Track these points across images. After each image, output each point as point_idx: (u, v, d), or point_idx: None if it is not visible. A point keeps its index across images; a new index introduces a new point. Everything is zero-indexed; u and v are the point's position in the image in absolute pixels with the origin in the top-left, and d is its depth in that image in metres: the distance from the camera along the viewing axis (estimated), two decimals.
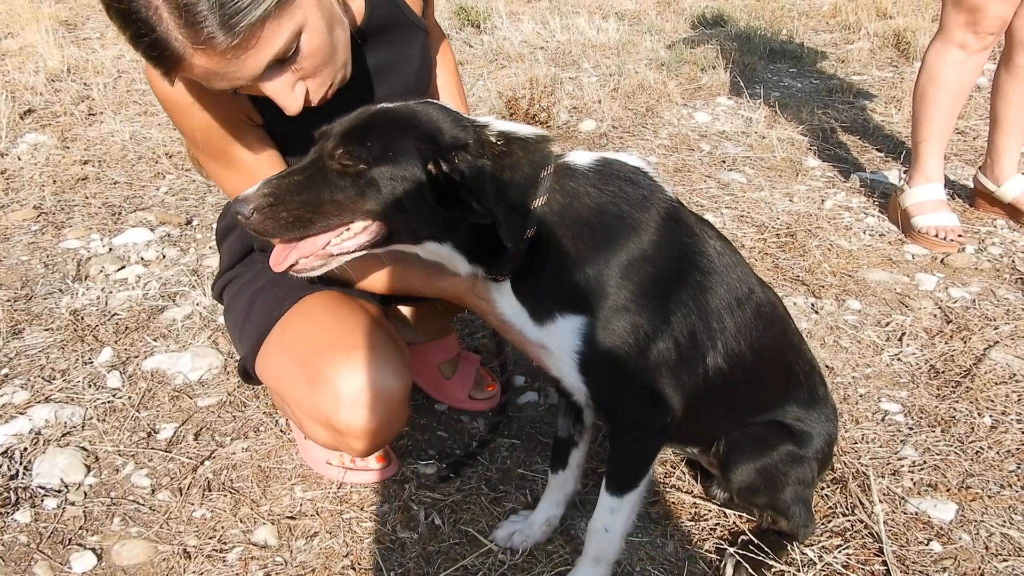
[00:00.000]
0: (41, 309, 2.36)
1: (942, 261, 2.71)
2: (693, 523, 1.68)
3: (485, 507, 1.69)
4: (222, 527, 1.62)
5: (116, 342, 2.21)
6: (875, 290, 2.54)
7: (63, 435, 1.87)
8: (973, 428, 1.93)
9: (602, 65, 4.80)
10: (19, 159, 3.40)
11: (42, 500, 1.68)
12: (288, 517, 1.65)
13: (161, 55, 1.10)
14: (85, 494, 1.71)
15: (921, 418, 1.97)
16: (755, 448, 1.49)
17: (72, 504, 1.67)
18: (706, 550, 1.61)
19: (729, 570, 1.52)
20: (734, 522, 1.68)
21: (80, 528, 1.62)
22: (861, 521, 1.64)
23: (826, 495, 1.72)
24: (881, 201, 3.11)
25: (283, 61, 1.20)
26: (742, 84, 4.34)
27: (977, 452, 1.84)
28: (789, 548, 1.56)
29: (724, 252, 1.38)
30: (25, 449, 1.81)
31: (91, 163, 3.41)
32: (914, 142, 2.90)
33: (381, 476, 1.75)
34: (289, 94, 1.23)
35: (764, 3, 6.47)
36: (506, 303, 1.32)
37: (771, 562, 1.52)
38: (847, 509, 1.68)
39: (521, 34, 5.42)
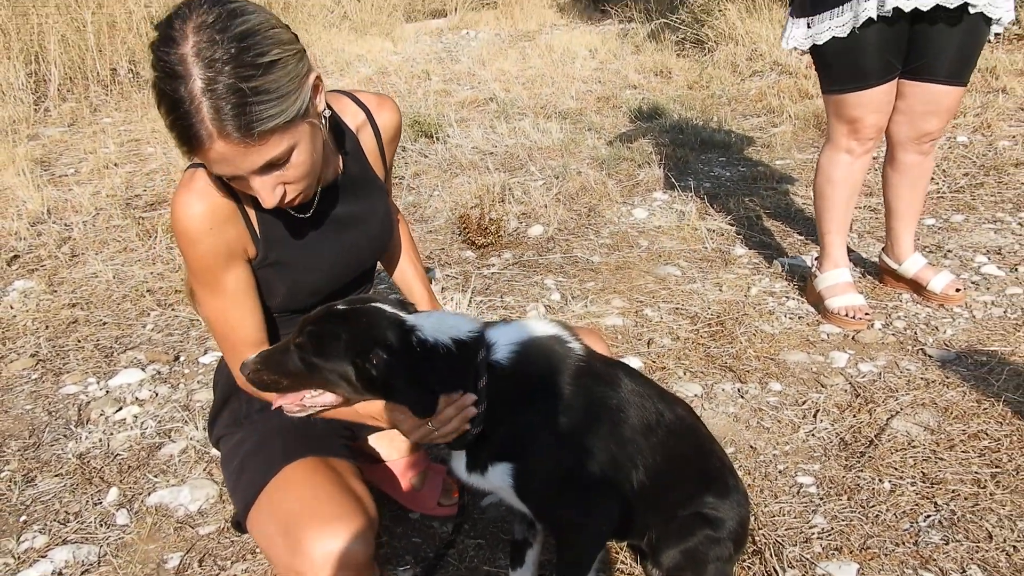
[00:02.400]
0: (50, 456, 2.61)
1: (853, 338, 3.07)
2: None
3: None
4: None
5: (121, 481, 2.47)
6: (794, 371, 2.88)
7: (83, 573, 2.11)
8: (875, 493, 2.24)
9: (547, 167, 5.22)
10: (11, 307, 3.68)
11: None
12: None
13: (191, 137, 1.44)
14: None
15: (831, 488, 2.28)
16: (679, 535, 1.78)
17: None
18: None
19: None
20: None
21: None
22: None
23: (747, 565, 2.01)
24: (800, 284, 3.48)
25: (274, 166, 1.53)
26: (673, 179, 4.76)
27: (877, 515, 2.15)
28: None
29: (635, 387, 1.71)
30: None
31: (79, 306, 3.69)
32: (819, 234, 3.28)
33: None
34: (270, 192, 1.57)
35: (696, 91, 7.01)
36: (455, 458, 1.67)
37: None
38: None
39: (471, 140, 5.85)
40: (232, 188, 1.66)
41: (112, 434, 2.70)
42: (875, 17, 2.67)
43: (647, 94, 7.00)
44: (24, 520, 2.32)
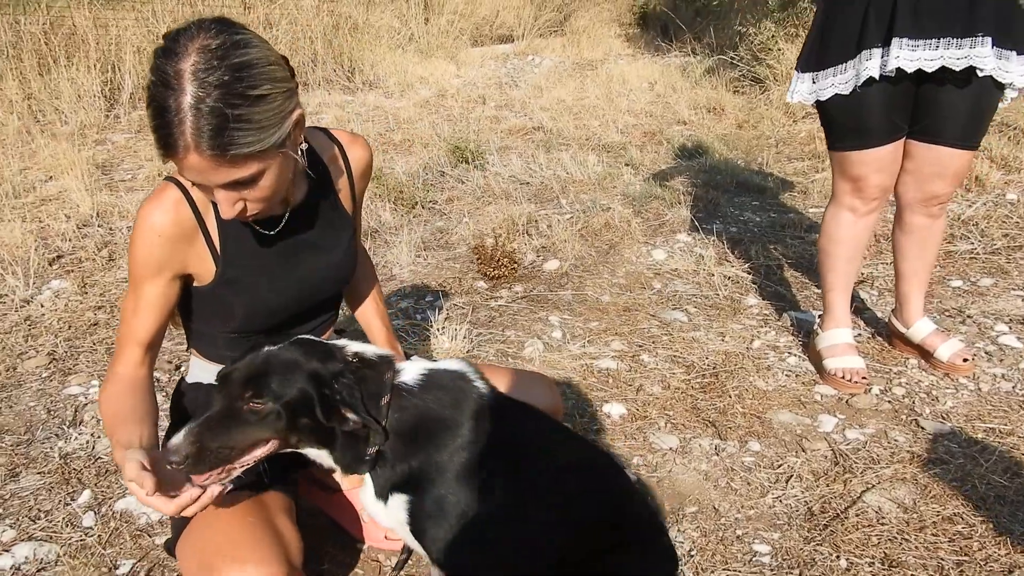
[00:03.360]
0: (38, 453, 2.73)
1: (847, 402, 2.97)
2: None
3: None
4: None
5: (96, 484, 2.57)
6: (777, 432, 2.80)
7: (38, 570, 2.21)
8: (829, 569, 2.16)
9: (578, 201, 5.23)
10: (42, 306, 3.87)
11: None
12: None
13: (169, 144, 1.53)
14: None
15: (785, 559, 2.21)
16: None
17: None
18: None
19: None
20: None
21: None
22: None
23: None
24: (805, 341, 3.40)
25: (241, 184, 1.62)
26: (700, 221, 4.70)
27: None
28: None
29: (537, 429, 1.72)
30: None
31: (103, 309, 3.87)
32: (823, 292, 3.20)
33: None
34: (230, 206, 1.65)
35: (744, 131, 6.93)
36: (365, 493, 1.71)
37: None
38: None
39: (510, 169, 5.90)
40: (196, 208, 1.79)
41: (99, 437, 2.81)
42: (877, 77, 2.61)
43: (695, 131, 6.94)
44: None
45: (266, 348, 1.62)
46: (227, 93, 1.51)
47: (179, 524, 1.85)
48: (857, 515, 2.36)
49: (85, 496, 2.51)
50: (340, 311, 2.25)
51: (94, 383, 3.19)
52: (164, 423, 2.26)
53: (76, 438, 2.81)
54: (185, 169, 1.59)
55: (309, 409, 1.56)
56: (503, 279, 4.14)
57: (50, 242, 4.66)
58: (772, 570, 2.18)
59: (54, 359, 3.40)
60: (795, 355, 3.32)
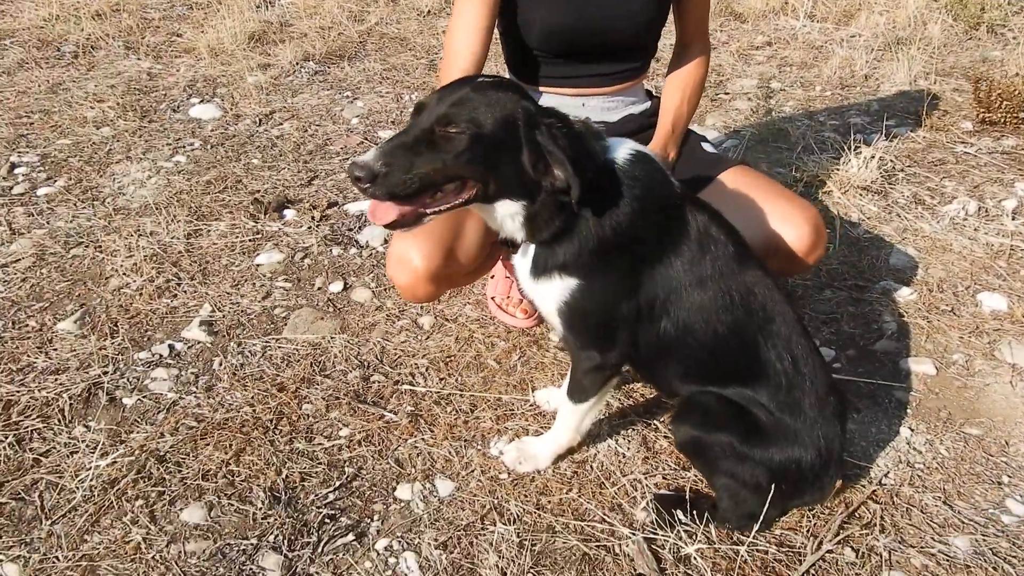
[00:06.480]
0: None
1: None
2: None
3: None
4: None
5: None
6: None
7: None
8: None
9: None
10: None
11: None
12: None
13: None
14: None
15: None
16: (702, 419, 1.61)
17: None
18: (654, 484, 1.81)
19: (641, 515, 1.74)
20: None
21: None
22: None
23: None
24: None
25: None
26: None
27: None
28: (714, 524, 1.68)
29: (713, 241, 1.57)
30: None
31: None
32: None
33: (518, 324, 2.31)
34: None
35: None
36: (521, 260, 1.64)
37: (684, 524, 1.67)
38: None
39: None
40: None
41: None
42: None
43: None
44: None
45: (479, 79, 1.54)
46: None
47: None
48: None
49: None
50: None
51: None
52: None
53: None
54: None
55: (513, 150, 1.45)
56: (995, 127, 3.32)
57: None
58: None
59: None
60: None
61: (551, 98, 2.07)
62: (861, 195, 2.91)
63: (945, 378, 2.13)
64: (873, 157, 2.96)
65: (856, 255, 2.63)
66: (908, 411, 2.03)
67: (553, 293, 1.59)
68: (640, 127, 2.14)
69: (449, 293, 2.45)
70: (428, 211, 1.46)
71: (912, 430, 1.97)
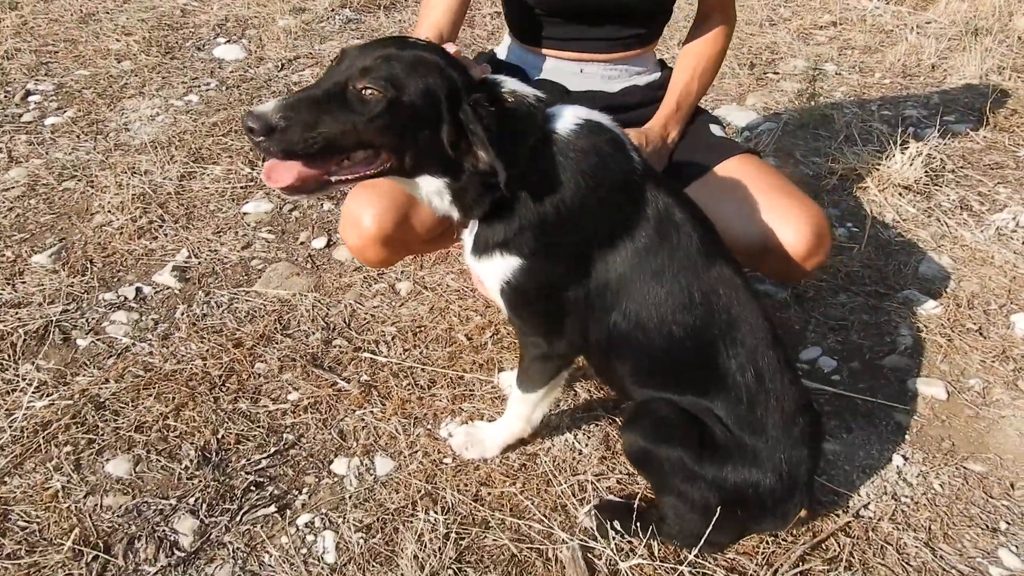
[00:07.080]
0: None
1: None
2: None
3: None
4: None
5: None
6: None
7: None
8: None
9: None
10: None
11: None
12: None
13: None
14: None
15: None
16: (653, 430, 1.44)
17: None
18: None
19: (585, 520, 1.59)
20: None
21: None
22: None
23: None
24: None
25: None
26: None
27: None
28: (657, 536, 1.53)
29: (675, 228, 1.39)
30: None
31: None
32: None
33: None
34: None
35: None
36: (467, 236, 1.47)
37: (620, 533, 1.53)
38: None
39: None
40: None
41: None
42: None
43: None
44: None
45: (411, 39, 1.37)
46: None
47: None
48: None
49: None
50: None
51: None
52: None
53: None
54: None
55: (432, 123, 1.26)
56: None
57: None
58: None
59: None
60: None
61: (551, 62, 1.91)
62: (901, 194, 2.66)
63: (956, 404, 1.92)
64: (920, 154, 2.70)
65: (883, 259, 2.39)
66: (906, 437, 1.82)
67: (495, 272, 1.44)
68: (643, 100, 1.96)
69: (433, 259, 2.33)
70: (334, 179, 1.28)
71: (906, 459, 1.77)
